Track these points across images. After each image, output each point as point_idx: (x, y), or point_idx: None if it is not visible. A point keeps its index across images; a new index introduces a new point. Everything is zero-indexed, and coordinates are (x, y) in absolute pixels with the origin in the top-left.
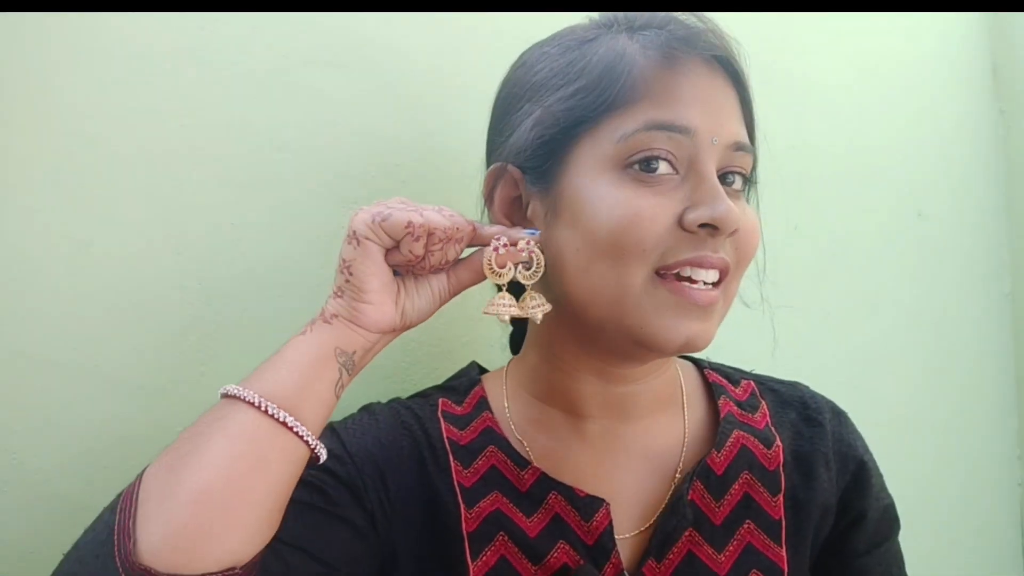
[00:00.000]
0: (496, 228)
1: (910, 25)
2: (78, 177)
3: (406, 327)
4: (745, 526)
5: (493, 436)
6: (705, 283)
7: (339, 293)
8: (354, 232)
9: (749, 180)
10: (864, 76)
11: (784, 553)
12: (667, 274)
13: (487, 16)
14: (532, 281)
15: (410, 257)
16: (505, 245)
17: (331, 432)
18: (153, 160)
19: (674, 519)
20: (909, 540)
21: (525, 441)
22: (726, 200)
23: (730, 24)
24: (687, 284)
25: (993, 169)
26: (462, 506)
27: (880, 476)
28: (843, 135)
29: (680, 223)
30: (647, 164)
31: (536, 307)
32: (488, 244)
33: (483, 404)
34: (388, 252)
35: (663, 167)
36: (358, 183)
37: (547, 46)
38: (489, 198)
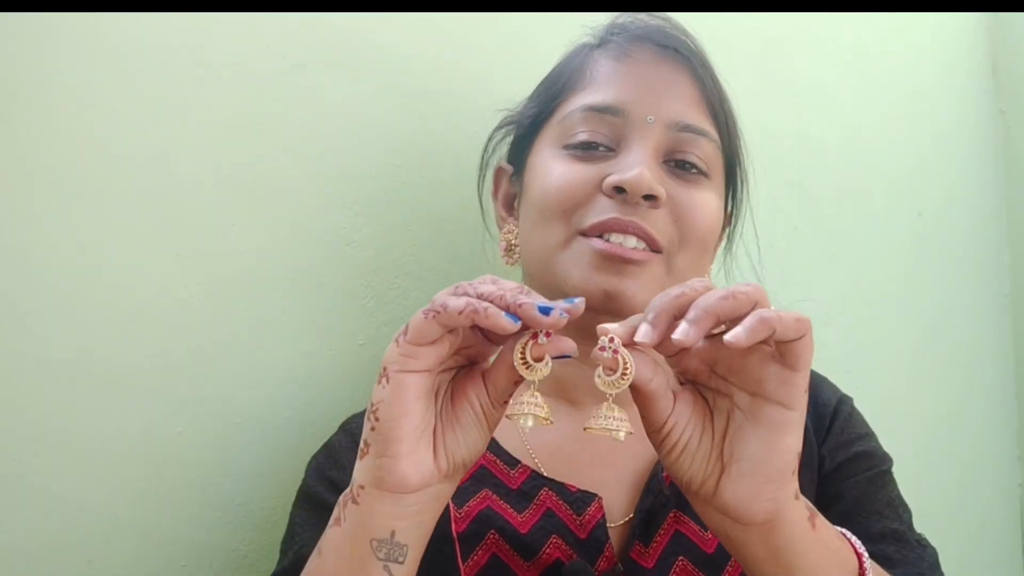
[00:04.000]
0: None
1: (910, 25)
2: (78, 177)
3: (456, 469)
4: None
5: None
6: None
7: (364, 452)
8: (384, 368)
9: (728, 172)
10: (864, 76)
11: None
12: (590, 235)
13: (487, 16)
14: (616, 390)
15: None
16: (547, 334)
17: (325, 449)
18: (153, 160)
19: (650, 498)
20: None
21: (516, 436)
22: (640, 167)
23: (730, 24)
24: (610, 239)
25: (993, 169)
26: (451, 506)
27: (858, 416)
28: (843, 135)
29: (600, 188)
30: (584, 145)
31: (620, 422)
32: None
33: None
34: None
35: (598, 146)
36: (358, 183)
37: None
38: (495, 195)
